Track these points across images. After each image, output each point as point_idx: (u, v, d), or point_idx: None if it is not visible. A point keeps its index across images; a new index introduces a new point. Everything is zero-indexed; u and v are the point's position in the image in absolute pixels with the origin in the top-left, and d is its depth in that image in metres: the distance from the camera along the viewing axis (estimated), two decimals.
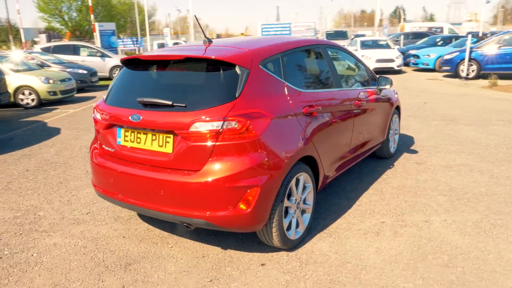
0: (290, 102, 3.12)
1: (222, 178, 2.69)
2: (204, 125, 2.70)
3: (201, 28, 3.35)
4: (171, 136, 2.84)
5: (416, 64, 17.93)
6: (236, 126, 2.68)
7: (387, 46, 17.95)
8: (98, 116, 3.25)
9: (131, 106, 3.00)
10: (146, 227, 3.68)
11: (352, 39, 22.72)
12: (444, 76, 15.67)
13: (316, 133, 3.33)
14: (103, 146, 3.26)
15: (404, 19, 75.29)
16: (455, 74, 14.82)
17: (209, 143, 2.71)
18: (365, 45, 18.24)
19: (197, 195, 2.74)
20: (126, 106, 3.04)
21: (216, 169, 2.72)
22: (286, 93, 3.14)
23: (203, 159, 2.74)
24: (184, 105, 2.78)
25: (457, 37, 20.88)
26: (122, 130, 3.10)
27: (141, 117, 2.89)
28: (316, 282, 2.77)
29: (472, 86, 12.58)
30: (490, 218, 3.62)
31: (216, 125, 2.69)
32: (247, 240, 3.35)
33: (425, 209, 3.84)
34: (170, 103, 2.80)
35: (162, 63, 3.13)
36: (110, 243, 3.40)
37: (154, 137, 2.93)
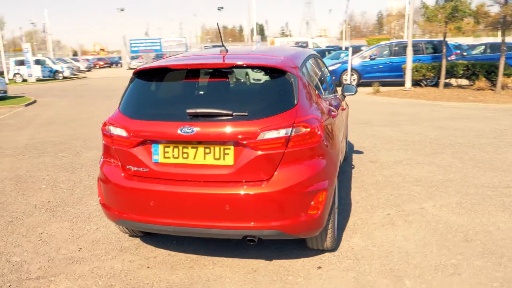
0: (322, 106, 3.25)
1: (294, 185, 2.68)
2: (272, 133, 2.66)
3: (221, 37, 3.26)
4: (231, 147, 2.71)
5: None
6: (304, 131, 2.70)
7: None
8: (121, 133, 2.90)
9: (175, 118, 2.77)
10: (165, 253, 3.36)
11: None
12: None
13: (337, 134, 3.52)
14: (128, 167, 2.91)
15: (263, 34, 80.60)
16: (339, 84, 16.60)
17: (278, 151, 2.67)
18: None
19: (269, 206, 2.67)
20: (167, 119, 2.79)
21: (287, 176, 2.69)
22: (318, 98, 3.25)
23: (272, 167, 2.68)
24: (245, 114, 2.69)
25: (329, 50, 23.39)
26: (161, 146, 2.82)
27: (195, 130, 2.68)
28: (380, 273, 2.93)
29: (359, 94, 14.26)
30: (465, 198, 4.27)
31: (285, 132, 2.67)
32: (271, 248, 3.35)
33: (411, 198, 4.33)
34: (231, 112, 2.68)
35: (199, 72, 2.96)
36: (139, 277, 3.03)
37: (208, 150, 2.75)
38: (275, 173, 2.69)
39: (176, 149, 2.81)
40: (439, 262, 3.05)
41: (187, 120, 2.74)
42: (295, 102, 2.78)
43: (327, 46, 27.82)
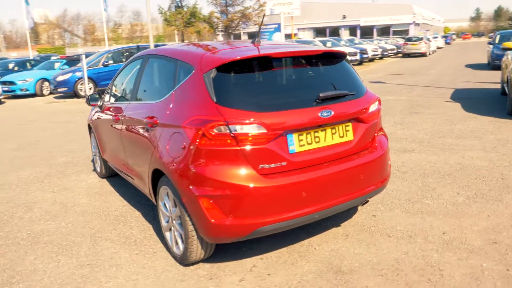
0: None
1: (387, 146, 3.27)
2: (374, 106, 3.14)
3: (259, 27, 3.25)
4: (350, 123, 2.99)
5: (13, 91, 16.54)
6: (380, 105, 3.30)
7: None
8: (256, 130, 2.59)
9: (306, 104, 2.77)
10: (194, 266, 3.08)
11: None
12: (58, 97, 15.75)
13: None
14: (262, 166, 2.64)
15: None
16: (74, 94, 15.32)
17: (376, 121, 3.18)
18: None
19: (382, 167, 3.16)
20: (300, 106, 2.74)
21: (382, 140, 3.25)
22: None
23: (373, 136, 3.17)
24: (354, 93, 3.03)
25: (29, 61, 20.61)
26: (295, 135, 2.74)
27: (332, 112, 2.80)
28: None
29: None
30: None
31: (377, 105, 3.20)
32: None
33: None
34: (354, 93, 2.97)
35: (286, 60, 2.97)
36: None
37: (333, 131, 2.91)
38: (375, 139, 3.19)
39: (308, 135, 2.79)
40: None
41: (320, 104, 2.79)
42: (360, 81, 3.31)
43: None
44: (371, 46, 26.88)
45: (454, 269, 2.81)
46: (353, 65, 9.06)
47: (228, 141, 2.58)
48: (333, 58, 3.18)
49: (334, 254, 3.11)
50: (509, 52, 8.74)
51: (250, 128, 2.59)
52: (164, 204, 3.20)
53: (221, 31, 14.32)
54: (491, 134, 6.28)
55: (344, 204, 2.94)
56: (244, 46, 3.16)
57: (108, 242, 3.55)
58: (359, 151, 3.06)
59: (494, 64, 15.49)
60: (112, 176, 5.31)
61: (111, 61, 15.91)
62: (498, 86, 10.63)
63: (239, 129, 2.57)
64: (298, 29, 46.22)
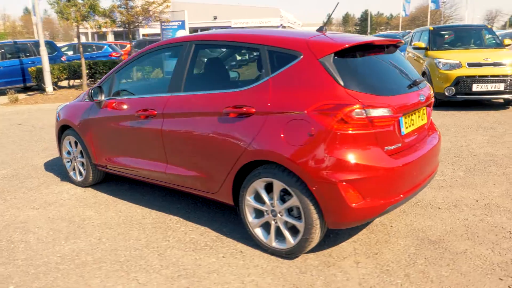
0: None
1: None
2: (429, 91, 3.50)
3: (328, 17, 3.31)
4: (425, 108, 3.29)
5: None
6: None
7: None
8: (385, 113, 2.69)
9: (408, 89, 2.98)
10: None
11: None
12: None
13: None
14: (387, 147, 2.77)
15: None
16: None
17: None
18: None
19: (439, 151, 3.51)
20: (407, 91, 2.94)
21: (433, 125, 3.62)
22: None
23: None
24: (423, 79, 3.35)
25: None
26: (403, 118, 2.92)
27: (425, 96, 3.07)
28: None
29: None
30: None
31: None
32: None
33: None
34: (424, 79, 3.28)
35: (379, 48, 3.11)
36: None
37: (419, 114, 3.17)
38: (432, 124, 3.56)
39: (409, 118, 2.99)
40: None
41: (416, 89, 3.02)
42: None
43: None
44: None
45: None
46: None
47: (364, 124, 2.63)
48: (397, 47, 3.44)
49: (411, 229, 3.38)
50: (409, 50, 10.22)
51: (382, 111, 2.68)
52: (255, 198, 3.03)
53: (122, 27, 13.32)
54: None
55: (426, 184, 3.22)
56: (318, 34, 3.18)
57: (175, 250, 3.18)
58: (430, 131, 3.40)
59: None
60: (96, 184, 4.64)
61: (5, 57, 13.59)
62: None
63: (373, 112, 2.64)
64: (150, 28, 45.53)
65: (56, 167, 5.41)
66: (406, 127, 2.96)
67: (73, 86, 14.68)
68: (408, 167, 2.85)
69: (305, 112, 2.69)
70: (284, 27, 46.13)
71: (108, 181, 4.75)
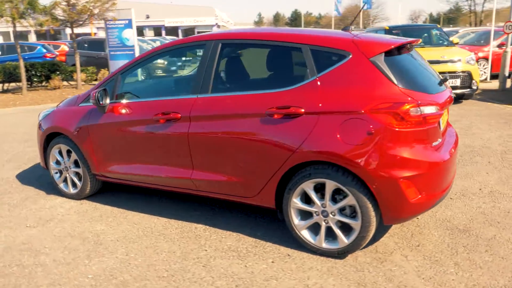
0: None
1: None
2: None
3: (355, 17, 3.35)
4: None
5: None
6: None
7: None
8: (434, 110, 2.79)
9: (439, 88, 3.11)
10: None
11: None
12: None
13: None
14: (434, 143, 2.87)
15: None
16: None
17: None
18: None
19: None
20: (439, 90, 3.07)
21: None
22: None
23: None
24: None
25: None
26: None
27: (451, 93, 3.23)
28: None
29: None
30: None
31: None
32: None
33: None
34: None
35: (408, 47, 3.20)
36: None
37: (446, 111, 3.32)
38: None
39: (443, 115, 3.13)
40: None
41: (445, 87, 3.17)
42: None
43: None
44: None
45: None
46: None
47: (419, 121, 2.70)
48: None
49: (437, 220, 3.54)
50: None
51: (432, 109, 2.78)
52: (302, 200, 2.99)
53: (65, 25, 12.35)
54: None
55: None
56: (358, 34, 3.22)
57: (219, 259, 3.03)
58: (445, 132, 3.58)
59: None
60: (92, 195, 4.28)
61: None
62: None
63: (426, 109, 2.73)
64: (98, 28, 43.41)
65: (33, 180, 4.89)
66: (443, 124, 3.10)
67: (8, 90, 13.35)
68: (450, 161, 2.98)
69: (363, 111, 2.70)
70: (219, 26, 45.98)
71: (102, 192, 4.40)
